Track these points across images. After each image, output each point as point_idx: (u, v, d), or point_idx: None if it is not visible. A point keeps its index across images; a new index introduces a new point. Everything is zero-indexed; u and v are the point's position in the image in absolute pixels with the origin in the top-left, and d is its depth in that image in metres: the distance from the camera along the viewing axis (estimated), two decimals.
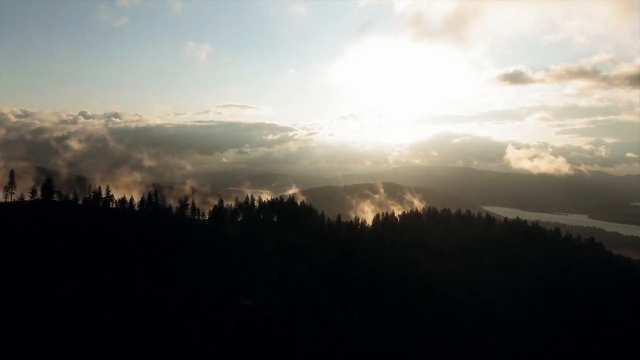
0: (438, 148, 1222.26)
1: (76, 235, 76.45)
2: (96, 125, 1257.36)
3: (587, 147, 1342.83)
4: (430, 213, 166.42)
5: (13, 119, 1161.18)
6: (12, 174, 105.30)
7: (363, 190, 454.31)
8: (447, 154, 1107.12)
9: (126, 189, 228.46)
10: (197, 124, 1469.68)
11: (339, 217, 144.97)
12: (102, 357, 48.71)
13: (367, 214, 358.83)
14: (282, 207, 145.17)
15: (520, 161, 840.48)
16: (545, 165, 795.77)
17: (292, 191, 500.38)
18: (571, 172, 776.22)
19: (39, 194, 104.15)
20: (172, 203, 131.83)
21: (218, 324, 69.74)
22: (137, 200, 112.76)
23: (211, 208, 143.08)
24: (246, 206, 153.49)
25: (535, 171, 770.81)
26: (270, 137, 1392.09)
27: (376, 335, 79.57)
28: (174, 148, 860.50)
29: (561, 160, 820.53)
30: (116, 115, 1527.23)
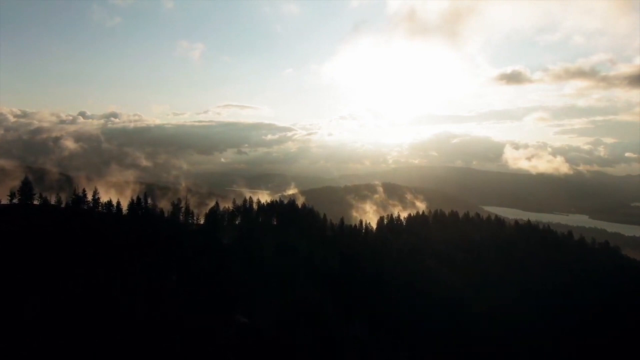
0: (437, 148, 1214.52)
1: (47, 244, 66.87)
2: (95, 126, 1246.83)
3: (586, 147, 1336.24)
4: (437, 216, 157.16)
5: (11, 119, 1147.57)
6: None
7: (363, 190, 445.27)
8: (446, 154, 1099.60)
9: (120, 190, 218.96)
10: (196, 123, 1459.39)
11: (342, 221, 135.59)
12: None
13: (368, 214, 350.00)
14: (282, 210, 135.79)
15: (519, 161, 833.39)
16: (545, 165, 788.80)
17: (291, 191, 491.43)
18: (571, 172, 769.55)
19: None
20: (167, 205, 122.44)
21: (209, 345, 60.48)
22: (127, 203, 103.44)
23: (208, 210, 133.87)
24: (244, 208, 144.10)
25: (534, 171, 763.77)
26: (269, 137, 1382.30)
27: (389, 357, 70.26)
28: (173, 148, 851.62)
29: (560, 160, 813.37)
30: (115, 115, 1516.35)
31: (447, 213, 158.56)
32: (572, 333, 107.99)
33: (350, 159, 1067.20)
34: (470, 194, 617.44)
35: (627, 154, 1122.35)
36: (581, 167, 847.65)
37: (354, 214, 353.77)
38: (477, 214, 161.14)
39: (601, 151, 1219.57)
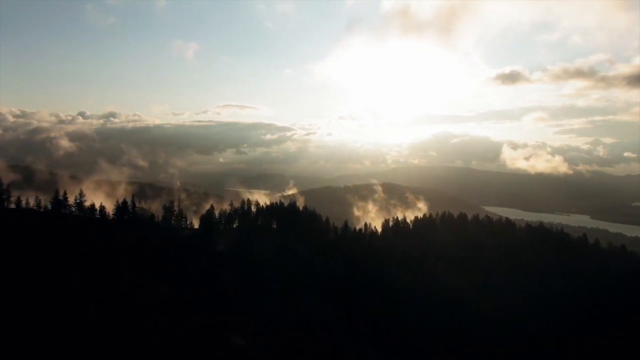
0: (437, 148, 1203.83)
1: (11, 254, 57.55)
2: (94, 126, 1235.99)
3: (585, 147, 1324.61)
4: (444, 218, 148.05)
5: (10, 119, 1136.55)
6: None
7: (363, 190, 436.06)
8: (445, 154, 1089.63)
9: (114, 191, 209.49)
10: (196, 123, 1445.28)
11: (345, 224, 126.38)
12: None
13: (369, 214, 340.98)
14: (282, 212, 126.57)
15: (519, 161, 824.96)
16: (545, 165, 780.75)
17: (291, 192, 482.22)
18: (570, 172, 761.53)
19: None
20: (161, 207, 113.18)
21: None
22: (123, 206, 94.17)
23: (204, 212, 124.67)
24: (242, 211, 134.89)
25: (534, 171, 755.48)
26: (268, 136, 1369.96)
27: None
28: (172, 148, 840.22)
29: (560, 160, 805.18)
30: (115, 115, 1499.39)
31: (455, 215, 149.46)
32: (592, 340, 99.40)
33: (349, 159, 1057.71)
34: (470, 194, 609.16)
35: (626, 154, 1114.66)
36: (580, 167, 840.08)
37: (355, 213, 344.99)
38: (487, 217, 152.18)
39: (600, 151, 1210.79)
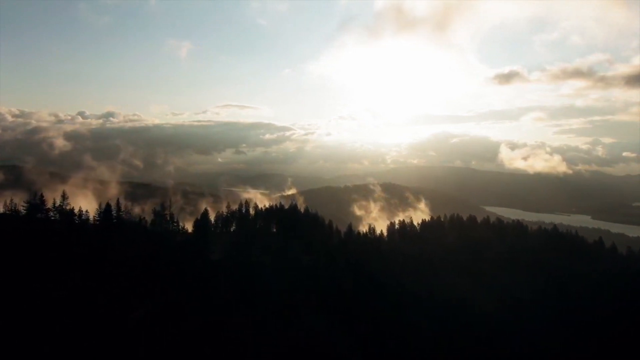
0: (436, 148, 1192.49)
1: None
2: (93, 125, 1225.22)
3: (585, 147, 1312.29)
4: (453, 221, 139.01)
5: (9, 118, 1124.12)
6: None
7: (364, 191, 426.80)
8: (445, 153, 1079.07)
9: (105, 193, 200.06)
10: (195, 123, 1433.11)
11: (349, 228, 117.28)
12: None
13: (371, 214, 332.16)
14: (283, 215, 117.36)
15: (518, 161, 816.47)
16: (544, 165, 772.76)
17: (290, 192, 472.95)
18: (570, 172, 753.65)
19: None
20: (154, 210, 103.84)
21: None
22: (106, 209, 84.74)
23: (199, 216, 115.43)
24: (240, 214, 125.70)
25: (534, 171, 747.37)
26: (267, 136, 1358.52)
27: None
28: (171, 148, 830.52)
29: (560, 160, 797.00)
30: (115, 115, 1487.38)
31: (464, 217, 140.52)
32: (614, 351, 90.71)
33: (349, 159, 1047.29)
34: (470, 194, 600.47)
35: (625, 154, 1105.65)
36: (580, 167, 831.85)
37: (356, 213, 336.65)
38: (498, 219, 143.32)
39: (599, 151, 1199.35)
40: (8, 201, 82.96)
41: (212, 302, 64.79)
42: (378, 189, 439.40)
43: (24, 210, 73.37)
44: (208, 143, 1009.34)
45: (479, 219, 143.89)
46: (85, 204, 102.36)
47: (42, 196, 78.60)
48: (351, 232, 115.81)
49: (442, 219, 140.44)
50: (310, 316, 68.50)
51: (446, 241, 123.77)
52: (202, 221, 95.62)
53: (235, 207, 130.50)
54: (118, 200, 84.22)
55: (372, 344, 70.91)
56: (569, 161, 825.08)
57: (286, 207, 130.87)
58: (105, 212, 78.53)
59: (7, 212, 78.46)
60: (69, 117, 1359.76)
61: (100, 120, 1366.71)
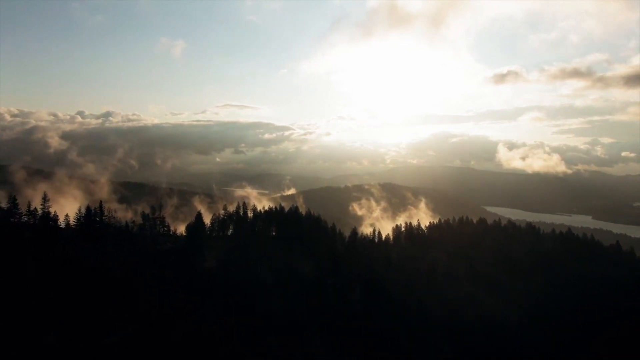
0: (435, 148, 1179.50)
1: None
2: (93, 125, 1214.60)
3: (584, 147, 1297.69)
4: (463, 224, 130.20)
5: (8, 118, 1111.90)
6: None
7: (364, 191, 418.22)
8: (444, 153, 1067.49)
9: (98, 194, 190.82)
10: (194, 123, 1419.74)
11: (354, 233, 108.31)
12: None
13: (372, 215, 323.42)
14: (283, 219, 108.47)
15: (518, 161, 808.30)
16: (544, 165, 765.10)
17: (289, 192, 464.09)
18: (570, 172, 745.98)
19: None
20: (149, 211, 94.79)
21: None
22: (87, 214, 75.73)
23: (192, 219, 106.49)
24: (237, 216, 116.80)
25: (533, 171, 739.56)
26: (266, 136, 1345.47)
27: None
28: (170, 147, 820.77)
29: (559, 160, 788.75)
30: (114, 114, 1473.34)
31: (474, 220, 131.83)
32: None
33: (348, 159, 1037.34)
34: (471, 194, 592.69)
35: (623, 154, 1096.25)
36: (579, 167, 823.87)
37: (358, 214, 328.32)
38: (510, 221, 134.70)
39: (598, 151, 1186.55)
40: None
41: (202, 322, 55.99)
42: (378, 189, 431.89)
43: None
44: (207, 143, 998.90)
45: (480, 220, 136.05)
46: (75, 206, 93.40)
47: (14, 199, 69.61)
48: (356, 237, 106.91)
49: (451, 222, 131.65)
50: (314, 337, 59.81)
51: (457, 245, 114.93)
52: (194, 225, 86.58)
53: (232, 209, 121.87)
54: (101, 203, 75.13)
55: None
56: (568, 161, 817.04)
57: (286, 208, 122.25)
58: (85, 216, 69.48)
59: None
60: (68, 117, 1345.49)
61: (99, 120, 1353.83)
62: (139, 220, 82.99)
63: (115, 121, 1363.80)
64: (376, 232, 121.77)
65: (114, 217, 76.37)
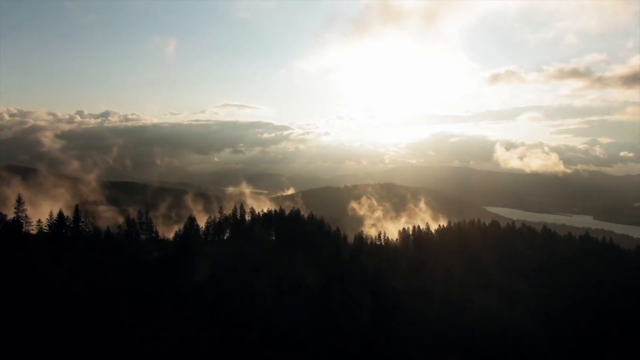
0: (434, 148, 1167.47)
1: None
2: (92, 125, 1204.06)
3: (582, 147, 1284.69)
4: (473, 228, 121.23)
5: (7, 117, 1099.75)
6: None
7: (364, 191, 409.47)
8: (443, 153, 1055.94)
9: (89, 195, 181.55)
10: (194, 122, 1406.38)
11: (360, 238, 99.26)
12: None
13: (374, 215, 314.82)
14: (283, 223, 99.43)
15: (517, 161, 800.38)
16: (544, 165, 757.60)
17: (289, 192, 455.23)
18: (570, 172, 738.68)
19: None
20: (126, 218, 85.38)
21: None
22: (58, 220, 66.42)
23: (184, 224, 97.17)
24: (234, 219, 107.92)
25: (533, 171, 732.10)
26: (265, 136, 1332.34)
27: None
28: (169, 147, 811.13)
29: (559, 160, 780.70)
30: (113, 114, 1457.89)
31: (486, 223, 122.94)
32: None
33: (347, 159, 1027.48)
34: (470, 194, 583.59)
35: (622, 154, 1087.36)
36: (578, 167, 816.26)
37: (358, 214, 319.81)
38: (524, 224, 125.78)
39: (597, 151, 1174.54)
40: None
41: (186, 345, 46.84)
42: (378, 189, 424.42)
43: None
44: (206, 142, 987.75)
45: (481, 220, 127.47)
46: (65, 209, 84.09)
47: None
48: (362, 243, 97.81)
49: (461, 225, 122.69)
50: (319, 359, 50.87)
51: (470, 252, 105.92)
52: (185, 232, 77.20)
53: (231, 208, 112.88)
54: (77, 207, 65.74)
55: None
56: (566, 161, 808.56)
57: (285, 209, 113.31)
58: (57, 222, 60.11)
59: None
60: (67, 117, 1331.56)
61: (98, 120, 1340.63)
62: (119, 225, 73.46)
63: (114, 121, 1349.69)
64: (382, 236, 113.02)
65: (92, 223, 66.94)
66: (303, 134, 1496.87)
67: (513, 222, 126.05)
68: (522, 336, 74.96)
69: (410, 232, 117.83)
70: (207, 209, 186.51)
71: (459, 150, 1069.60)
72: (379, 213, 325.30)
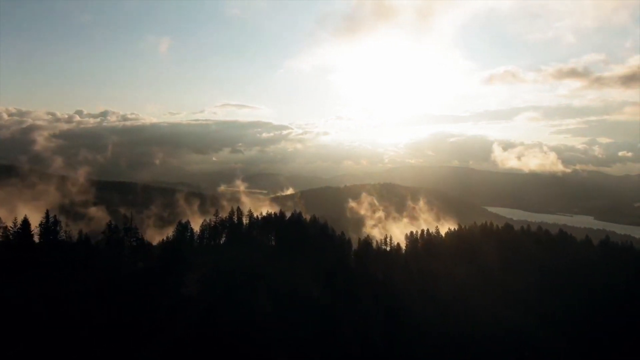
0: (434, 148, 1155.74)
1: None
2: (91, 124, 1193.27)
3: (581, 146, 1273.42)
4: (485, 231, 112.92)
5: (5, 117, 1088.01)
6: None
7: (364, 191, 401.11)
8: (442, 153, 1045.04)
9: (83, 195, 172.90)
10: (193, 122, 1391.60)
11: (365, 243, 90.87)
12: None
13: (375, 215, 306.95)
14: (283, 227, 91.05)
15: (516, 161, 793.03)
16: (542, 165, 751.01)
17: (288, 192, 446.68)
18: (569, 172, 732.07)
19: None
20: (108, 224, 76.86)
21: None
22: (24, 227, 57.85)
23: (175, 227, 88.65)
24: (230, 222, 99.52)
25: (531, 171, 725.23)
26: (264, 135, 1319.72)
27: None
28: (168, 146, 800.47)
29: (558, 160, 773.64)
30: (112, 114, 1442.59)
31: (499, 226, 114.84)
32: None
33: (346, 159, 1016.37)
34: (470, 194, 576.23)
35: (620, 154, 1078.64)
36: (577, 167, 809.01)
37: (358, 214, 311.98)
38: (540, 227, 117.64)
39: (596, 151, 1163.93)
40: None
41: None
42: (377, 189, 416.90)
43: None
44: (205, 142, 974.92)
45: (481, 220, 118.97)
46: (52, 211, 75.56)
47: None
48: (368, 249, 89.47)
49: (473, 228, 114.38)
50: None
51: (483, 258, 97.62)
52: (174, 239, 68.61)
53: (228, 210, 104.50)
54: (55, 216, 57.05)
55: None
56: (565, 161, 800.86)
57: (285, 209, 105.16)
58: (21, 231, 51.47)
59: None
60: (66, 116, 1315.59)
61: (97, 119, 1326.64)
62: (103, 231, 64.76)
63: (113, 120, 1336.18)
64: (388, 240, 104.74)
65: (67, 232, 58.31)
66: (302, 133, 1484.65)
67: (528, 225, 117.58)
68: (539, 344, 67.12)
69: (419, 236, 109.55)
70: (204, 210, 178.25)
71: (458, 150, 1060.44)
72: (379, 213, 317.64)
